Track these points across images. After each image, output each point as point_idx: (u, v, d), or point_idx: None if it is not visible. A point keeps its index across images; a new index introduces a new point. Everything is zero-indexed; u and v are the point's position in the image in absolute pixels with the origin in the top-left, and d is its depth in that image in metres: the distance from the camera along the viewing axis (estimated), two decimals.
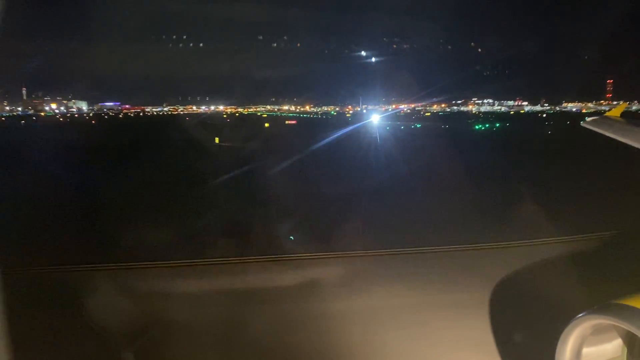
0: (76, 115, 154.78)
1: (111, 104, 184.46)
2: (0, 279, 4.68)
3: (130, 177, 22.51)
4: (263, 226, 14.05)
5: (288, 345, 7.04)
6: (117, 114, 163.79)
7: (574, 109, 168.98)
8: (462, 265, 10.28)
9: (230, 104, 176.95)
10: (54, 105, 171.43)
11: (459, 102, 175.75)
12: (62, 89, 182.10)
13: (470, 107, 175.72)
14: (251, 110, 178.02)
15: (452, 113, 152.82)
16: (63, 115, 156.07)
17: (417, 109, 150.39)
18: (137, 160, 28.22)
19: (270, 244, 12.09)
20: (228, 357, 6.96)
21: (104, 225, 14.11)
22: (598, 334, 3.34)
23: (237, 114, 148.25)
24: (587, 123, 6.98)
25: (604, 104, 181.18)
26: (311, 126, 75.75)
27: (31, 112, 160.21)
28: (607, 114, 7.45)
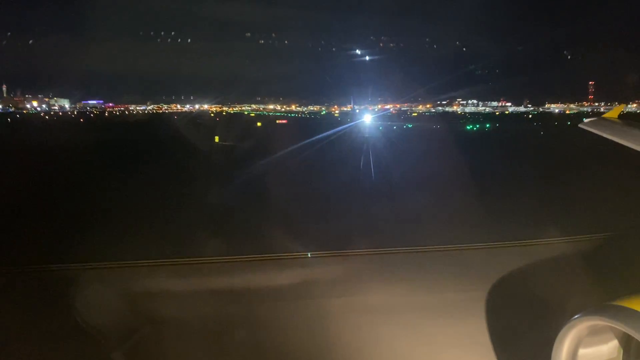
0: (60, 114, 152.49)
1: (94, 102, 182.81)
2: None
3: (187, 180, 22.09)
4: None
5: (291, 341, 7.08)
6: (101, 112, 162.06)
7: (556, 110, 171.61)
8: (466, 264, 10.28)
9: (215, 103, 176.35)
10: (35, 103, 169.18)
11: (444, 102, 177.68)
12: (44, 87, 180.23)
13: (455, 107, 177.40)
14: (236, 109, 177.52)
15: (437, 113, 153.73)
16: (47, 112, 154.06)
17: (402, 109, 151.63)
18: (171, 164, 27.25)
19: None
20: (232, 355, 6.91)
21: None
22: (594, 335, 3.33)
23: (224, 113, 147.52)
24: (585, 124, 7.02)
25: (585, 105, 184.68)
26: (304, 126, 75.33)
27: (12, 109, 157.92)
28: (604, 115, 7.49)
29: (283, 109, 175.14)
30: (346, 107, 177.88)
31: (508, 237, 11.85)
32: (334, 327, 7.30)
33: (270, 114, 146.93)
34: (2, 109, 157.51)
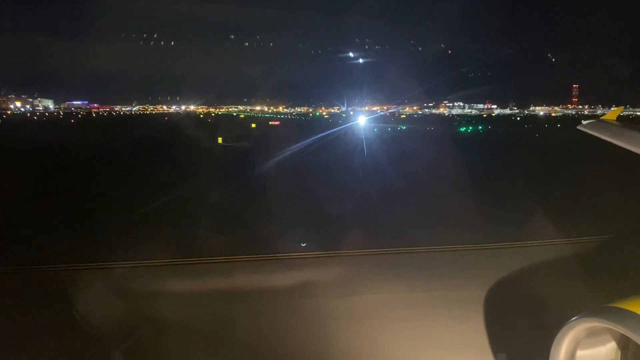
0: (46, 114, 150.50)
1: (79, 102, 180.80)
2: None
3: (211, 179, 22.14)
4: None
5: (292, 338, 7.16)
6: (88, 113, 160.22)
7: (541, 113, 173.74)
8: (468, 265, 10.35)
9: (201, 104, 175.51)
10: (18, 104, 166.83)
11: (430, 105, 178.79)
12: (27, 87, 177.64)
13: (442, 109, 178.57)
14: (223, 110, 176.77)
15: (425, 115, 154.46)
16: (32, 113, 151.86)
17: (390, 111, 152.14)
18: (193, 166, 26.97)
19: None
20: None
21: None
22: (592, 336, 3.32)
23: (213, 114, 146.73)
24: (584, 126, 7.05)
25: (570, 107, 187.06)
26: (300, 127, 75.07)
27: None
28: (603, 117, 7.54)
29: (270, 110, 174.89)
30: (333, 108, 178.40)
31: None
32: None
33: (259, 115, 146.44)
34: None
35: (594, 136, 6.52)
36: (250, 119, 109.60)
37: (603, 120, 7.15)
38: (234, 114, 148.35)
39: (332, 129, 61.86)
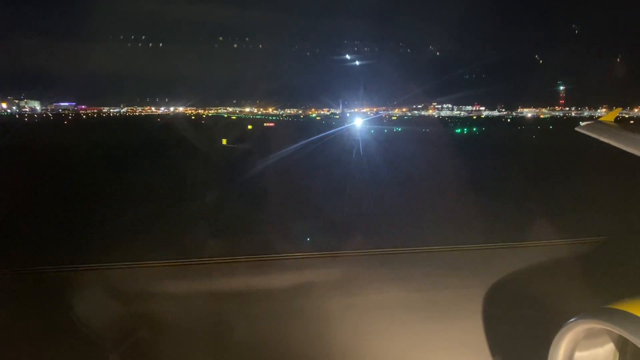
0: (35, 116, 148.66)
1: (66, 104, 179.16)
2: None
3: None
4: None
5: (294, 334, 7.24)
6: (78, 114, 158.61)
7: (529, 114, 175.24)
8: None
9: (189, 106, 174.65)
10: (4, 105, 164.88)
11: (419, 106, 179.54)
12: (14, 88, 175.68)
13: (431, 111, 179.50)
14: (212, 112, 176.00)
15: (415, 117, 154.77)
16: (21, 115, 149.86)
17: (380, 112, 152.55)
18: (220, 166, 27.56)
19: None
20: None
21: None
22: (590, 338, 3.32)
23: (203, 116, 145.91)
24: (582, 128, 7.06)
25: (557, 109, 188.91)
26: (296, 129, 74.91)
27: None
28: (601, 118, 7.55)
29: (260, 112, 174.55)
30: (323, 110, 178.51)
31: None
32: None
33: (250, 117, 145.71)
34: None
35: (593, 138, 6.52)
36: (243, 120, 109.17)
37: (601, 122, 7.15)
38: (225, 116, 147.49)
39: (328, 130, 62.03)
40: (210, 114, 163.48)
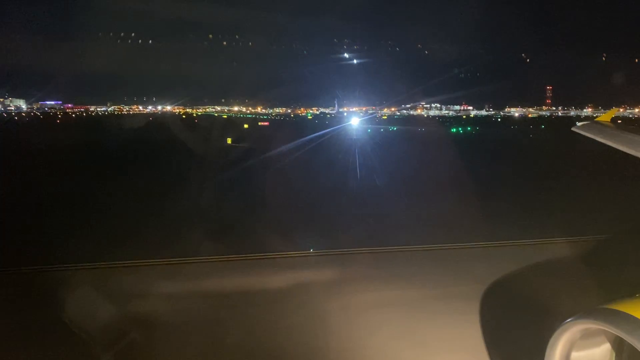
0: (23, 115, 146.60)
1: (52, 102, 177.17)
2: None
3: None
4: None
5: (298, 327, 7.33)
6: (63, 113, 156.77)
7: (516, 114, 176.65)
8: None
9: (177, 105, 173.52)
10: None
11: (408, 106, 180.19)
12: None
13: (419, 110, 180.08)
14: (200, 111, 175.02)
15: (405, 116, 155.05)
16: (7, 113, 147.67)
17: (370, 111, 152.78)
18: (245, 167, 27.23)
19: None
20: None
21: None
22: (587, 338, 3.31)
23: (195, 115, 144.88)
24: (578, 128, 7.09)
25: (545, 109, 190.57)
26: (291, 128, 74.81)
27: None
28: (597, 119, 7.58)
29: (249, 111, 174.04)
30: (312, 109, 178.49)
31: None
32: None
33: (242, 115, 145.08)
34: None
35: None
36: (235, 119, 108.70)
37: (597, 122, 7.19)
38: (215, 115, 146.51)
39: (323, 129, 61.91)
40: (199, 113, 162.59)
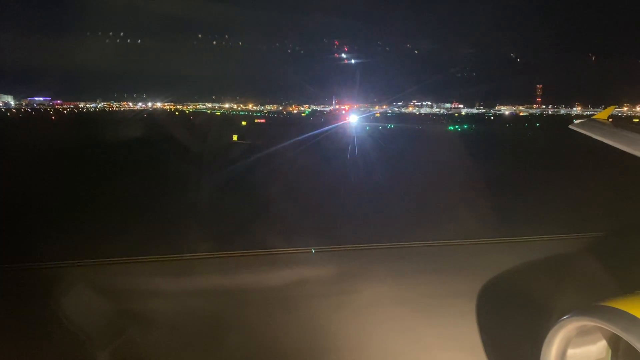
0: (13, 111, 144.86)
1: (41, 98, 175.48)
2: None
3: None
4: None
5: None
6: (57, 109, 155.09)
7: (506, 112, 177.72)
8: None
9: (167, 101, 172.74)
10: None
11: (399, 103, 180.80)
12: None
13: (411, 108, 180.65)
14: (191, 107, 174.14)
15: (397, 114, 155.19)
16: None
17: (360, 109, 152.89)
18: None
19: None
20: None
21: None
22: (583, 335, 3.30)
23: (187, 112, 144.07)
24: (576, 125, 7.09)
25: (534, 107, 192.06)
26: (290, 125, 73.80)
27: None
28: (595, 116, 7.59)
29: (239, 108, 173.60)
30: (303, 106, 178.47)
31: None
32: None
33: (234, 112, 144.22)
34: None
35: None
36: (230, 116, 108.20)
37: (594, 120, 7.19)
38: (208, 112, 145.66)
39: (322, 127, 61.64)
40: (190, 110, 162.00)
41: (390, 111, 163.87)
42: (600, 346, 3.41)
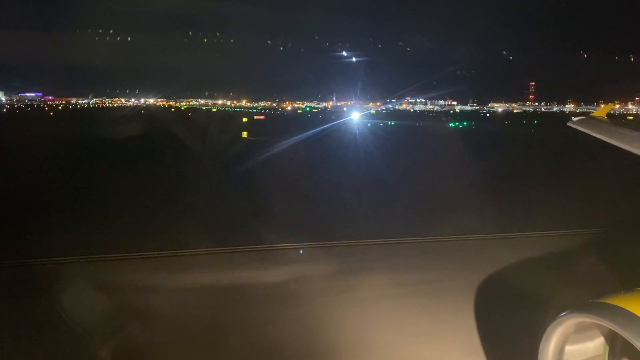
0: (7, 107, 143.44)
1: (32, 94, 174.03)
2: None
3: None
4: None
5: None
6: (48, 105, 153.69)
7: (499, 109, 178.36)
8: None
9: (160, 98, 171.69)
10: None
11: (393, 100, 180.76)
12: None
13: (405, 105, 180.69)
14: (184, 104, 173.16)
15: (391, 111, 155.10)
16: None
17: (355, 105, 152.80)
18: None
19: None
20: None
21: None
22: (580, 332, 3.31)
23: (184, 109, 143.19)
24: (574, 123, 7.11)
25: (527, 105, 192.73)
26: (291, 121, 74.23)
27: None
28: (593, 114, 7.62)
29: (233, 104, 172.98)
30: (297, 102, 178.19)
31: None
32: None
33: (230, 109, 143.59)
34: None
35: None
36: (228, 113, 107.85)
37: (593, 117, 7.22)
38: (203, 108, 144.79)
39: (324, 124, 61.82)
40: (184, 106, 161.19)
41: (384, 109, 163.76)
42: (598, 343, 3.42)
